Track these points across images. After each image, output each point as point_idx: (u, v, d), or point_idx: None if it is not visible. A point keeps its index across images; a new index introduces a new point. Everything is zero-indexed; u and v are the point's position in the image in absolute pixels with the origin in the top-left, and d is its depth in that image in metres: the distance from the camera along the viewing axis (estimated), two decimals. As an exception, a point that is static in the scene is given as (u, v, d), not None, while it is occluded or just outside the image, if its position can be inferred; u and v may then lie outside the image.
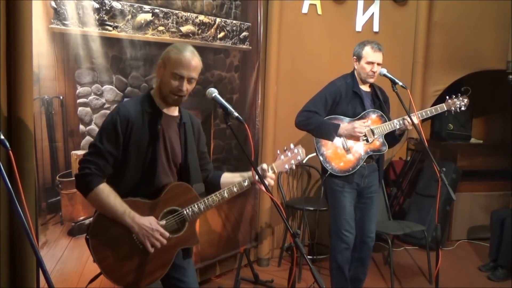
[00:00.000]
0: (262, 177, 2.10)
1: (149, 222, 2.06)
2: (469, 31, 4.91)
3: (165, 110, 2.16)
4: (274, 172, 2.23)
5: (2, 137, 1.71)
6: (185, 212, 2.15)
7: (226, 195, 2.18)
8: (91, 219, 2.13)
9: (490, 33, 4.87)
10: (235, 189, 2.20)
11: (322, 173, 3.43)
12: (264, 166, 2.22)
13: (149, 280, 2.12)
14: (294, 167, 2.30)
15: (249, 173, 2.20)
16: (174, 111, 2.21)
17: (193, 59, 2.10)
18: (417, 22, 4.93)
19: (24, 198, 1.76)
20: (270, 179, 2.21)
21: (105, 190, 2.03)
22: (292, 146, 2.30)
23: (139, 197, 2.11)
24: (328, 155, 3.30)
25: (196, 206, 2.16)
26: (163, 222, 2.11)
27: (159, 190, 2.14)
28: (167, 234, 2.08)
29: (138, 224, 2.04)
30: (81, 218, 2.92)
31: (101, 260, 2.06)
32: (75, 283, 2.89)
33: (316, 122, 3.27)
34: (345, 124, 3.26)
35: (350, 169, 3.27)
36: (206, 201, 2.17)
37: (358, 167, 3.27)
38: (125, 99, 3.07)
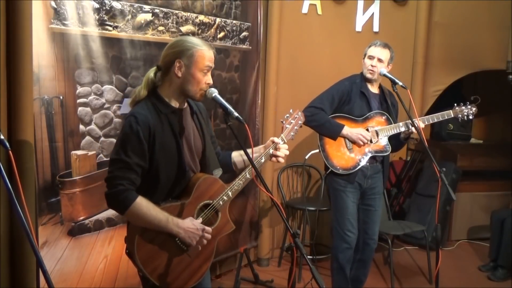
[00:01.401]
0: (262, 177, 2.10)
1: (192, 223, 2.05)
2: (469, 31, 4.92)
3: (178, 106, 2.13)
4: (285, 143, 2.28)
5: (2, 137, 1.71)
6: (216, 203, 2.16)
7: (248, 176, 2.20)
8: (129, 233, 2.09)
9: (490, 33, 4.88)
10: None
11: (325, 171, 3.44)
12: (276, 139, 2.24)
13: (199, 275, 2.15)
14: (297, 131, 2.37)
15: (259, 147, 2.27)
16: (184, 103, 2.17)
17: (212, 49, 2.09)
18: (417, 22, 4.94)
19: (24, 198, 1.76)
20: (285, 150, 2.26)
21: (143, 203, 1.98)
22: (291, 111, 2.36)
23: (171, 199, 2.11)
24: (331, 153, 3.31)
25: (225, 194, 2.17)
26: (200, 219, 2.12)
27: (187, 187, 2.14)
28: (210, 229, 2.10)
29: (184, 229, 2.03)
30: (81, 218, 2.92)
31: (152, 272, 2.03)
32: (75, 283, 2.89)
33: (321, 119, 3.28)
34: (349, 127, 3.27)
35: (352, 168, 3.27)
36: (232, 187, 2.18)
37: (360, 166, 3.27)
38: (130, 104, 3.07)
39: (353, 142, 3.28)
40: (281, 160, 2.26)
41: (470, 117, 3.41)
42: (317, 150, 3.41)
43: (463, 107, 3.40)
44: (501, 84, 5.08)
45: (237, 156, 2.35)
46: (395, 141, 3.34)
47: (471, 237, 5.22)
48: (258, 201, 4.32)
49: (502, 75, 4.78)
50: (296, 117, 2.35)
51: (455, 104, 3.41)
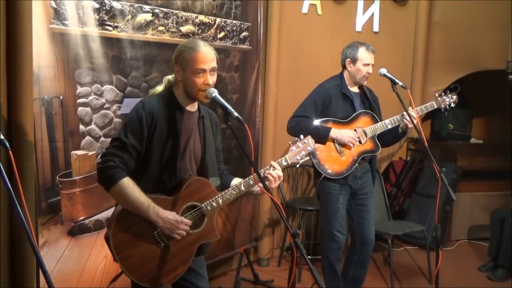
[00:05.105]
0: (262, 177, 2.10)
1: (173, 215, 2.07)
2: (469, 31, 4.91)
3: (186, 107, 2.17)
4: (288, 164, 2.26)
5: (2, 137, 1.71)
6: (204, 207, 2.15)
7: (243, 188, 2.19)
8: (110, 218, 2.11)
9: (490, 33, 4.88)
10: (251, 182, 2.20)
11: (315, 176, 3.40)
12: (273, 163, 2.22)
13: (172, 276, 2.13)
14: (305, 157, 2.31)
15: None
16: (194, 107, 2.22)
17: (207, 51, 2.12)
18: (417, 22, 4.94)
19: (24, 198, 1.76)
20: (279, 171, 2.19)
21: (130, 184, 2.01)
22: (302, 137, 2.32)
23: (159, 193, 2.12)
24: (322, 158, 3.28)
25: (214, 200, 2.16)
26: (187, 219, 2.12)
27: (178, 185, 2.15)
28: (189, 222, 2.10)
29: (163, 218, 2.04)
30: (81, 218, 2.92)
31: (124, 259, 2.05)
32: (75, 283, 2.89)
33: (307, 127, 3.22)
34: (336, 129, 3.25)
35: (345, 171, 3.26)
36: (224, 195, 2.18)
37: (353, 168, 3.27)
38: (131, 98, 3.08)
39: (343, 145, 3.26)
40: (263, 188, 2.11)
41: (452, 105, 3.44)
42: (308, 157, 3.40)
43: (444, 97, 3.42)
44: (501, 84, 5.08)
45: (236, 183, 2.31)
46: (393, 134, 3.34)
47: (471, 237, 5.22)
48: (258, 201, 4.32)
49: (502, 75, 4.77)
50: (305, 143, 2.30)
51: (436, 95, 3.45)
